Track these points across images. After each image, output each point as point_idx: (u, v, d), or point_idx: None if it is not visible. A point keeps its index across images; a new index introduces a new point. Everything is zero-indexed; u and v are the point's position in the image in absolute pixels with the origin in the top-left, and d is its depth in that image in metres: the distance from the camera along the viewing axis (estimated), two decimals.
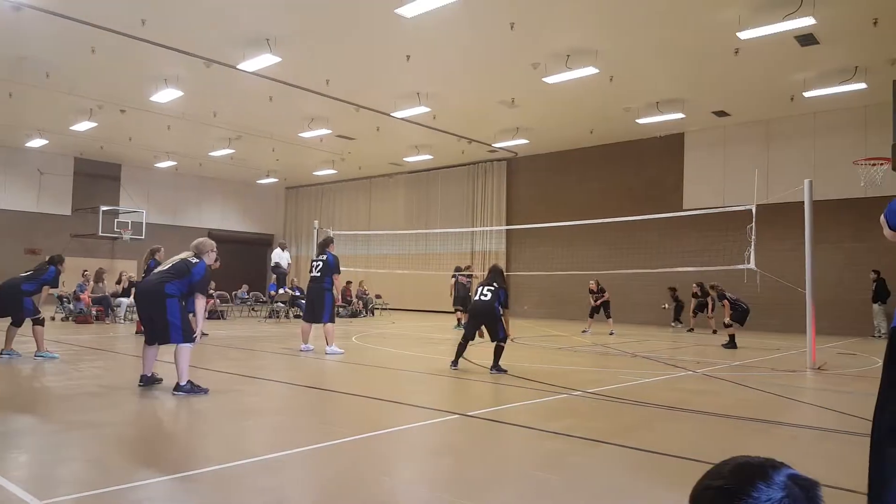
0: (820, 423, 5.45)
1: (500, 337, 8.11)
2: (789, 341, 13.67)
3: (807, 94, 14.90)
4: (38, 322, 8.57)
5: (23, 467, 3.74)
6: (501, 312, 8.27)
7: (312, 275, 9.96)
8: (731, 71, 14.02)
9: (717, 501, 0.97)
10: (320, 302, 9.79)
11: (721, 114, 17.41)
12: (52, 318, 15.23)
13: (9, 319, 8.58)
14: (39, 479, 3.49)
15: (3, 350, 8.54)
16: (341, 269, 10.21)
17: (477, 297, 8.33)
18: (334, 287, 9.92)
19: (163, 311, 6.12)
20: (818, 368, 8.83)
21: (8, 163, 23.12)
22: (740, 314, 12.47)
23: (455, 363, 8.31)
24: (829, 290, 15.13)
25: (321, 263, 9.91)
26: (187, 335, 6.19)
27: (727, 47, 12.50)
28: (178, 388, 6.10)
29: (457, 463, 4.08)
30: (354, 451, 4.29)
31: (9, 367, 7.81)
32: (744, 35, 11.48)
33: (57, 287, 8.98)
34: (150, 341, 6.41)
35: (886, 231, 2.78)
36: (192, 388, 6.11)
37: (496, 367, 7.95)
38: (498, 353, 8.04)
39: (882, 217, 2.77)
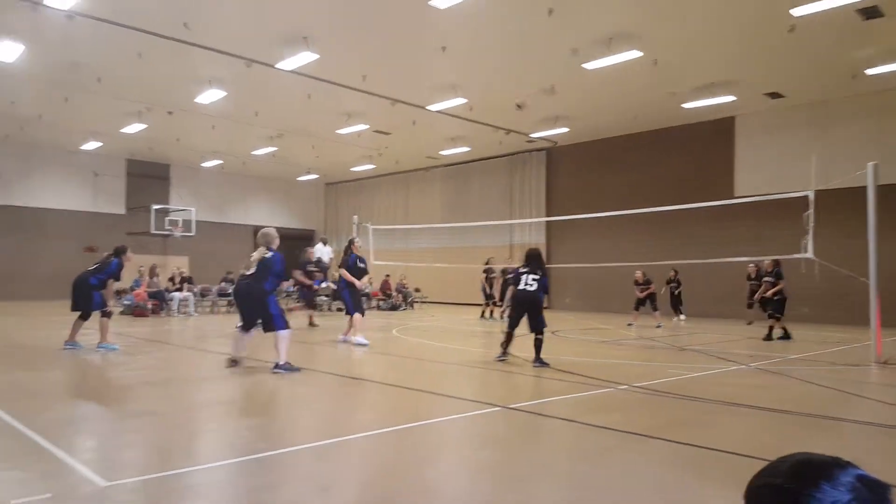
0: (888, 420, 5.16)
1: (540, 328, 8.00)
2: (851, 334, 13.12)
3: (870, 72, 14.14)
4: (106, 314, 8.91)
5: (90, 451, 3.94)
6: (545, 303, 8.20)
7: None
8: (785, 50, 13.43)
9: (776, 502, 0.89)
10: (343, 298, 10.56)
11: (775, 95, 16.73)
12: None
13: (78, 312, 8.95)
14: (105, 462, 3.65)
15: (66, 342, 8.88)
16: (374, 262, 10.90)
17: (522, 287, 8.15)
18: (353, 283, 10.36)
19: (266, 306, 7.26)
20: (884, 362, 8.40)
21: (65, 164, 24.07)
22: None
23: (503, 355, 8.24)
24: (894, 280, 14.42)
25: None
26: (286, 322, 7.32)
27: (780, 25, 11.96)
28: (277, 366, 7.06)
29: (499, 455, 4.05)
30: (398, 441, 4.31)
31: (73, 358, 8.12)
32: (798, 11, 10.96)
33: (120, 279, 9.27)
34: (246, 329, 7.49)
35: None
36: (289, 368, 7.05)
37: (538, 360, 7.87)
38: (538, 346, 7.96)
39: None
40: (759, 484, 0.93)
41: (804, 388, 6.56)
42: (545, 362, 7.83)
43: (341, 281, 10.50)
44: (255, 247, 7.79)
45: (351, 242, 10.82)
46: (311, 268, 13.56)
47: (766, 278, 12.17)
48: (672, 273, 15.74)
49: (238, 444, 4.15)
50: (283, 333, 7.22)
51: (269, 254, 7.52)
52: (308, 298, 13.83)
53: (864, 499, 0.86)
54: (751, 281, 13.77)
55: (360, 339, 9.94)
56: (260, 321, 7.44)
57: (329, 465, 3.74)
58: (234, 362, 7.33)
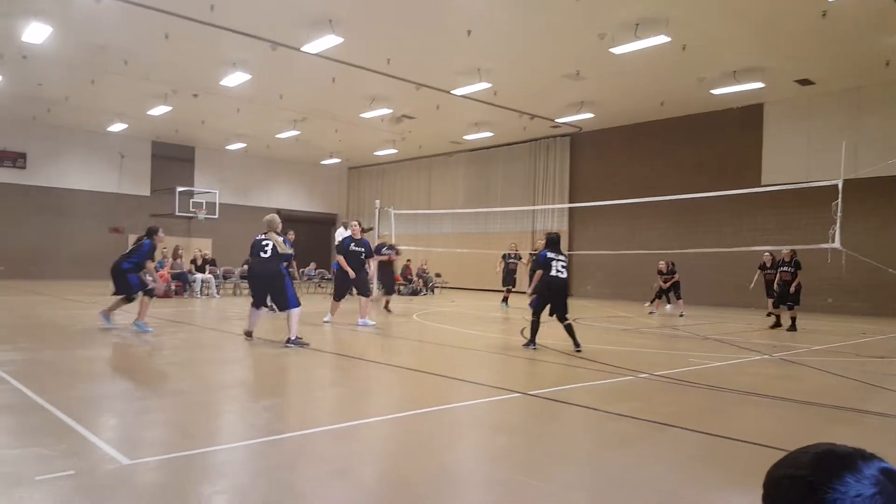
0: None
1: (564, 314, 8.03)
2: (877, 325, 12.88)
3: None
4: (149, 293, 9.11)
5: (113, 429, 4.01)
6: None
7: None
8: (816, 35, 13.08)
9: (796, 494, 0.85)
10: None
11: (805, 82, 16.33)
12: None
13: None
14: (128, 441, 3.72)
15: (101, 311, 9.14)
16: (399, 248, 10.93)
17: (554, 274, 8.06)
18: (369, 267, 10.87)
19: (282, 287, 7.83)
20: None
21: (92, 146, 24.41)
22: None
23: (532, 343, 8.09)
24: None
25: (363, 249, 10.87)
26: (298, 301, 7.90)
27: (813, 10, 11.65)
28: (289, 341, 7.62)
29: (518, 440, 4.05)
30: (417, 425, 4.34)
31: (98, 337, 8.28)
32: None
33: (153, 259, 9.47)
34: (257, 305, 8.16)
35: None
36: (300, 343, 7.60)
37: (578, 345, 7.89)
38: (573, 330, 8.02)
39: None
40: (780, 474, 0.90)
41: (827, 380, 6.46)
42: (534, 344, 8.03)
43: (334, 264, 10.79)
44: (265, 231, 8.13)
45: (369, 229, 11.10)
46: (386, 251, 13.08)
47: (783, 268, 11.90)
48: (670, 263, 15.48)
49: (258, 425, 4.20)
50: (296, 311, 7.81)
51: (281, 238, 8.02)
52: (387, 283, 13.51)
53: (889, 493, 0.83)
54: (765, 270, 13.31)
55: (365, 320, 10.33)
56: (271, 300, 8.24)
57: (347, 447, 3.77)
58: (248, 335, 8.09)
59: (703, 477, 3.39)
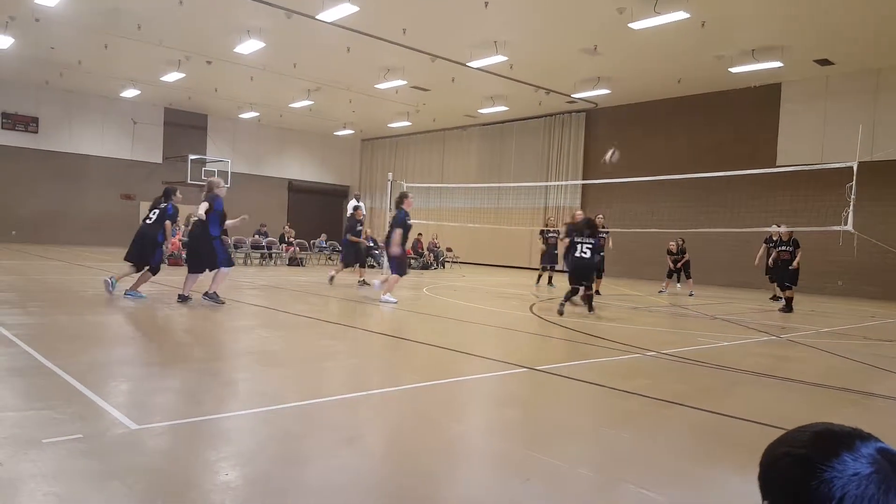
0: None
1: (590, 284, 9.43)
2: (887, 309, 12.80)
3: None
4: (153, 271, 9.00)
5: (122, 394, 4.05)
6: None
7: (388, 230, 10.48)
8: (837, 14, 12.78)
9: (795, 470, 0.87)
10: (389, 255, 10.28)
11: (824, 62, 16.01)
12: None
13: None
14: (137, 406, 3.76)
15: (127, 291, 8.91)
16: (411, 222, 10.25)
17: (578, 255, 9.25)
18: (393, 241, 9.88)
19: (213, 249, 8.44)
20: None
21: (104, 111, 24.43)
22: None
23: (561, 310, 8.94)
24: None
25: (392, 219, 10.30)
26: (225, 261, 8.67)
27: None
28: (206, 295, 8.42)
29: (525, 414, 4.09)
30: (425, 397, 4.38)
31: (111, 303, 8.38)
32: None
33: (176, 221, 9.52)
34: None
35: None
36: (216, 298, 8.33)
37: (591, 308, 9.35)
38: (590, 299, 9.40)
39: None
40: (779, 452, 0.91)
41: (833, 361, 6.46)
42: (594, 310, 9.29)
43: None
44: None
45: (404, 197, 10.26)
46: (360, 227, 13.65)
47: (782, 248, 11.89)
48: (680, 241, 15.39)
49: (267, 393, 4.25)
50: (225, 270, 8.55)
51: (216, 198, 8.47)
52: (360, 258, 13.73)
53: (885, 472, 0.84)
54: (769, 245, 13.20)
55: (387, 297, 9.87)
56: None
57: (356, 417, 3.82)
58: (183, 298, 8.47)
59: (706, 455, 3.41)
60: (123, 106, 24.54)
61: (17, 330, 5.80)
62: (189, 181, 24.78)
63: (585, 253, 9.19)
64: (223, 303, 8.41)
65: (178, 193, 9.29)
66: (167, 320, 7.42)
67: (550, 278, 15.42)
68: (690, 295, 14.46)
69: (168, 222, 9.07)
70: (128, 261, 8.92)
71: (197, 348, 5.81)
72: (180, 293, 8.51)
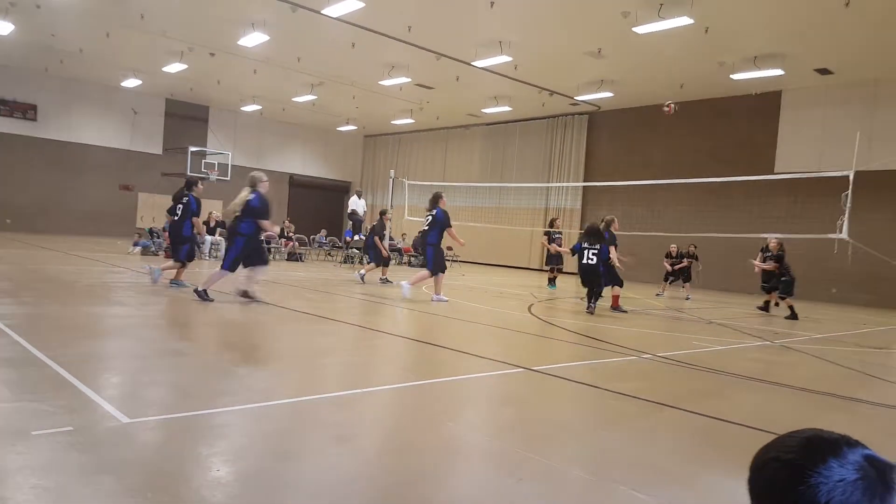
0: None
1: (600, 290, 9.82)
2: (879, 317, 12.85)
3: None
4: (183, 261, 9.23)
5: (115, 387, 4.03)
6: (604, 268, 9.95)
7: (422, 229, 10.47)
8: (839, 24, 12.81)
9: (783, 475, 0.89)
10: (424, 254, 10.53)
11: (824, 72, 16.05)
12: (146, 252, 16.19)
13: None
14: (129, 399, 3.75)
15: (171, 280, 9.22)
16: (408, 218, 10.58)
17: (585, 262, 9.67)
18: (440, 241, 10.27)
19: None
20: None
21: (105, 101, 24.34)
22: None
23: (590, 309, 9.66)
24: None
25: (431, 217, 10.29)
26: (229, 265, 8.15)
27: None
28: (195, 290, 8.01)
29: (519, 414, 4.09)
30: (420, 395, 4.38)
31: (105, 294, 8.37)
32: None
33: (199, 213, 9.49)
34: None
35: None
36: (204, 296, 7.85)
37: (589, 306, 9.67)
38: (595, 298, 9.76)
39: None
40: (768, 457, 0.93)
41: (825, 368, 6.49)
42: (593, 309, 9.62)
43: (430, 236, 10.30)
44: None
45: (440, 196, 10.54)
46: (385, 232, 14.01)
47: (767, 253, 12.33)
48: (692, 248, 15.44)
49: (261, 389, 4.23)
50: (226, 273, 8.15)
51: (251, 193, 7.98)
52: (384, 260, 13.71)
53: (870, 478, 0.86)
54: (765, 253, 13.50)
55: (440, 296, 10.03)
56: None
57: (349, 415, 3.81)
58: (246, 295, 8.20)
59: (699, 457, 3.42)
60: (124, 96, 24.46)
61: (9, 320, 5.76)
62: (189, 173, 24.76)
63: (592, 259, 9.59)
64: (212, 300, 8.15)
65: (199, 185, 9.40)
66: (163, 314, 7.41)
67: (554, 279, 15.36)
68: (687, 299, 14.48)
69: (196, 218, 9.19)
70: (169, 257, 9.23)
71: (191, 342, 5.81)
72: (244, 290, 8.29)
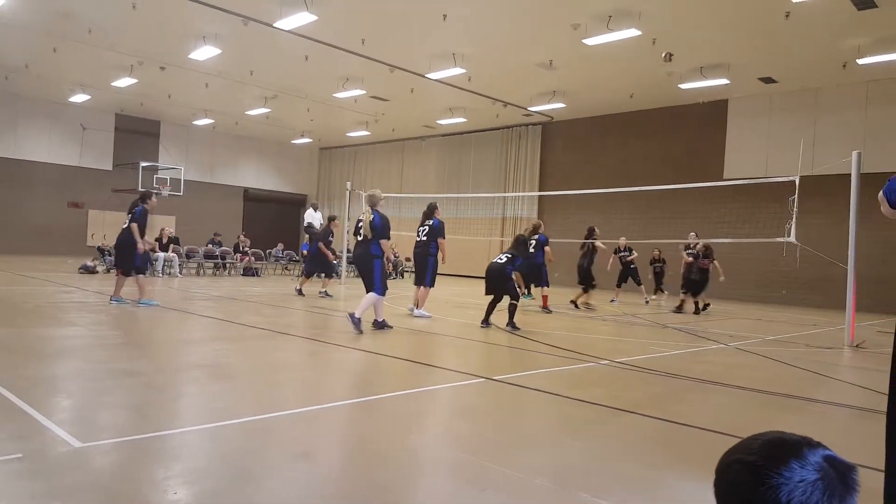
0: (856, 402, 5.30)
1: (512, 297, 8.89)
2: (828, 318, 13.34)
3: (861, 62, 14.18)
4: (139, 271, 9.14)
5: (65, 411, 3.89)
6: (514, 276, 9.23)
7: (418, 239, 10.26)
8: (780, 36, 13.40)
9: (745, 477, 0.92)
10: (423, 265, 10.17)
11: (768, 80, 16.73)
12: (96, 271, 15.70)
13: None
14: (80, 423, 3.62)
15: (111, 297, 9.16)
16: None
17: (495, 261, 9.23)
18: (440, 252, 10.10)
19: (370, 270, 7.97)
20: (856, 346, 8.60)
21: (52, 117, 23.62)
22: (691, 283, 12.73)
23: (486, 322, 8.97)
24: (873, 267, 14.66)
25: (427, 228, 10.19)
26: (381, 289, 7.97)
27: (777, 10, 11.94)
28: (375, 323, 8.07)
29: (481, 425, 4.10)
30: (381, 409, 4.35)
31: (54, 314, 8.08)
32: None
33: (145, 225, 9.29)
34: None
35: (885, 209, 2.63)
36: (384, 325, 8.01)
37: (510, 323, 8.76)
38: (511, 311, 8.85)
39: (881, 194, 2.61)
40: (732, 459, 0.97)
41: (778, 369, 6.69)
42: (516, 326, 8.74)
43: (431, 247, 10.18)
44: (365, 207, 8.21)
45: (435, 207, 10.59)
46: (331, 238, 13.66)
47: (688, 251, 13.05)
48: (656, 252, 15.82)
49: (216, 408, 4.14)
50: (372, 297, 7.87)
51: (373, 215, 7.91)
52: (327, 268, 13.58)
53: (830, 478, 0.90)
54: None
55: (422, 311, 9.94)
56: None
57: (310, 431, 3.77)
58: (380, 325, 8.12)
59: (660, 461, 3.48)
60: (72, 111, 23.78)
61: None
62: (140, 189, 24.15)
63: (501, 259, 9.05)
64: (391, 327, 8.14)
65: (153, 198, 9.38)
66: (114, 334, 7.19)
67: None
68: (646, 303, 14.81)
69: (135, 224, 9.06)
70: (116, 269, 9.15)
71: (145, 361, 5.64)
72: (375, 319, 8.15)
